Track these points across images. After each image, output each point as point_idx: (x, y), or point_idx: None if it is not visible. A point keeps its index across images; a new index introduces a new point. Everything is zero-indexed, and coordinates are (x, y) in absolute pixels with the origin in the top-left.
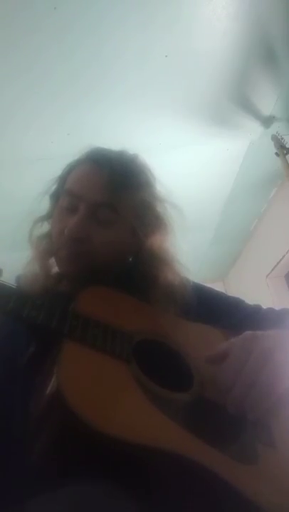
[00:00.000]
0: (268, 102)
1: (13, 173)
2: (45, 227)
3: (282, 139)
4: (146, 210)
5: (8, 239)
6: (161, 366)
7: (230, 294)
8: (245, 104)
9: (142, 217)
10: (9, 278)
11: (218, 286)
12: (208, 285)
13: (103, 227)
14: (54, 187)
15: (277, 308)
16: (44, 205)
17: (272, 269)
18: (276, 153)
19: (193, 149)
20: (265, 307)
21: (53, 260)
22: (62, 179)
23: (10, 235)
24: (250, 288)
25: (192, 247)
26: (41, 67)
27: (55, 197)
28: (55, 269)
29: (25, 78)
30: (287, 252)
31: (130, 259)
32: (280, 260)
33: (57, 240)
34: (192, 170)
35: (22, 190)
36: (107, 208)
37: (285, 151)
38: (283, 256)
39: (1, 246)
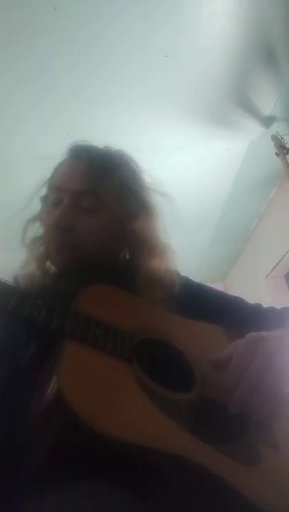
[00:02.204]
0: (268, 102)
1: (12, 173)
2: (39, 229)
3: (282, 138)
4: (128, 194)
5: (7, 239)
6: (163, 366)
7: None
8: (245, 104)
9: (124, 202)
10: (6, 278)
11: (218, 286)
12: (208, 285)
13: (88, 215)
14: (44, 189)
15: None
16: (36, 206)
17: (272, 269)
18: (276, 153)
19: (193, 149)
20: (265, 306)
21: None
22: (50, 179)
23: (9, 236)
24: (250, 288)
25: (192, 247)
26: (42, 67)
27: (45, 198)
28: (53, 270)
29: (28, 79)
30: (287, 252)
31: (127, 256)
32: (280, 260)
33: (46, 234)
34: (192, 170)
35: (22, 191)
36: (89, 195)
37: (285, 151)
38: (283, 256)
39: (1, 246)
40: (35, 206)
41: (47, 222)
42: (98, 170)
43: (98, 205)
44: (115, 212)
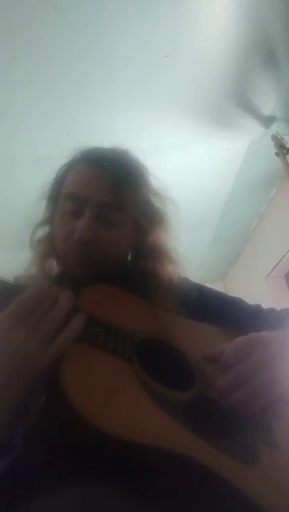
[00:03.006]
0: (268, 102)
1: (12, 173)
2: (43, 230)
3: (282, 138)
4: (147, 205)
5: (8, 239)
6: (163, 365)
7: (230, 294)
8: (245, 104)
9: (145, 213)
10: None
11: (218, 287)
12: (208, 285)
13: (110, 227)
14: (50, 189)
15: (277, 308)
16: (42, 209)
17: (272, 269)
18: (276, 153)
19: (193, 149)
20: (265, 307)
21: (52, 262)
22: (60, 181)
23: (10, 236)
24: (250, 288)
25: (192, 247)
26: (42, 67)
27: (53, 199)
28: (54, 271)
29: (28, 79)
30: (287, 252)
31: (129, 258)
32: (280, 260)
33: (64, 244)
34: (192, 170)
35: (21, 191)
36: (113, 209)
37: (285, 151)
38: (283, 256)
39: (2, 246)
40: (36, 211)
41: (65, 231)
42: (122, 184)
43: (121, 219)
44: (135, 224)
